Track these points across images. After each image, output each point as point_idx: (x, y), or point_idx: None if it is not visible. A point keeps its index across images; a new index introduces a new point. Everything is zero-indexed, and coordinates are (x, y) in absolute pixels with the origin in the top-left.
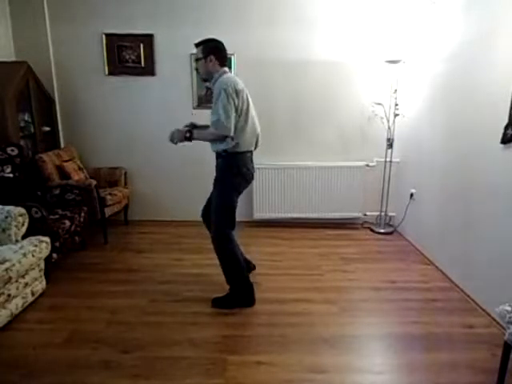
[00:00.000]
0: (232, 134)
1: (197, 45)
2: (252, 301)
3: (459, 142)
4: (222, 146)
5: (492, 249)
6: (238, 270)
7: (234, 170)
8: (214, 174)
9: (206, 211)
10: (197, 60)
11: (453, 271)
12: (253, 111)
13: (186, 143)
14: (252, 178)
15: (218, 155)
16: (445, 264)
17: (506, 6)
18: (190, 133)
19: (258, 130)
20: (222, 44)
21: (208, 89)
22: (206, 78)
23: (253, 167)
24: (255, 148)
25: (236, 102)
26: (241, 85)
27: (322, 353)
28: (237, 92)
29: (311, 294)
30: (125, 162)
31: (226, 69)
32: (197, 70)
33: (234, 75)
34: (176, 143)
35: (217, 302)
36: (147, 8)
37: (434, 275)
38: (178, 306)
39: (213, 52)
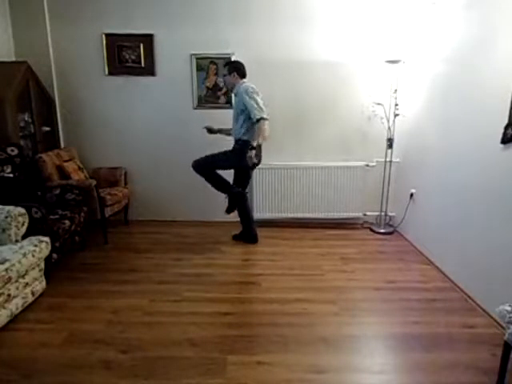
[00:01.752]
0: (266, 115)
1: (225, 65)
2: (255, 239)
3: (459, 141)
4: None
5: (492, 249)
6: (222, 184)
7: (243, 153)
8: None
9: (236, 184)
10: (224, 75)
11: (453, 271)
12: None
13: (255, 153)
14: (258, 163)
15: (236, 143)
16: (445, 264)
17: (506, 7)
18: (252, 150)
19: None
20: (242, 64)
21: (208, 89)
22: (230, 89)
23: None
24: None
25: (259, 96)
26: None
27: (322, 353)
28: (256, 92)
29: (311, 294)
30: (125, 162)
31: (245, 80)
32: (225, 82)
33: (249, 83)
34: (253, 166)
35: (236, 237)
36: (147, 8)
37: (434, 275)
38: (177, 305)
39: (235, 70)
